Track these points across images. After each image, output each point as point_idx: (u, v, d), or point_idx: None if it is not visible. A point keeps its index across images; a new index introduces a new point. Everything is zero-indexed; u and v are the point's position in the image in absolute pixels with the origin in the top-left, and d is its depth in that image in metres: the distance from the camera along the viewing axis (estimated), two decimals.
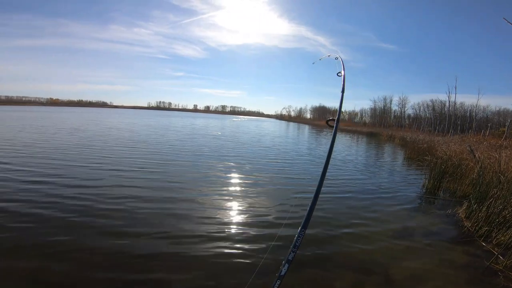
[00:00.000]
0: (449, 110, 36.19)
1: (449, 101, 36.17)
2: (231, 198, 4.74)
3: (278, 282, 0.96)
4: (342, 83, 1.51)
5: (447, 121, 35.40)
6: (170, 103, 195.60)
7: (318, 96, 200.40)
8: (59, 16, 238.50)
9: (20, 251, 2.73)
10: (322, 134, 28.57)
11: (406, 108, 55.27)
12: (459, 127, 35.29)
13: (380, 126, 53.31)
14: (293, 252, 1.04)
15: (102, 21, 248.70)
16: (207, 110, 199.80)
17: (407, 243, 3.56)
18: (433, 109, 45.58)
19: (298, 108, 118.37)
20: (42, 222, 3.35)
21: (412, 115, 54.69)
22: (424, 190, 6.36)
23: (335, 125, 1.39)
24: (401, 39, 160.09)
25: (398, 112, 56.96)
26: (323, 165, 1.47)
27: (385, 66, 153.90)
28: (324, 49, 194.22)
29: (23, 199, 4.08)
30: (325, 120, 1.41)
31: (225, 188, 5.31)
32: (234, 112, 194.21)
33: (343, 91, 1.46)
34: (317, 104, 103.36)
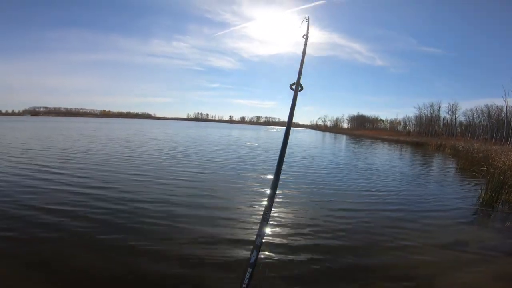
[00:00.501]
0: (506, 115, 32.33)
1: (506, 106, 32.39)
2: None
3: (249, 270, 0.91)
4: (306, 29, 1.54)
5: (505, 127, 31.57)
6: (207, 114, 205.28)
7: (355, 104, 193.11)
8: (109, 31, 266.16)
9: (52, 264, 2.78)
10: (361, 144, 27.53)
11: (457, 115, 50.50)
12: None
13: (426, 135, 49.39)
14: (259, 237, 0.98)
15: (145, 36, 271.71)
16: (242, 121, 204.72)
17: (460, 255, 3.43)
18: (489, 115, 41.03)
19: (334, 118, 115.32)
20: (79, 234, 3.42)
21: (464, 122, 49.78)
22: (480, 202, 5.94)
23: (295, 89, 1.28)
24: (446, 42, 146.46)
25: (448, 120, 52.26)
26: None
27: (430, 71, 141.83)
28: (360, 56, 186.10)
29: (63, 209, 4.19)
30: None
31: (261, 202, 5.14)
32: (269, 122, 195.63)
33: (306, 37, 1.49)
34: (355, 113, 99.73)
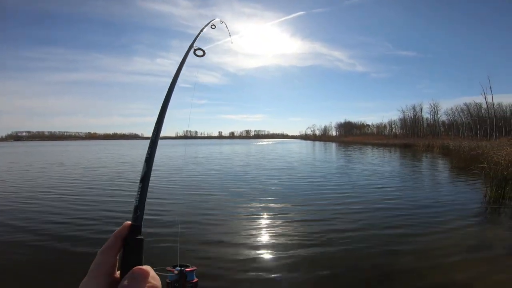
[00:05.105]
0: (488, 112, 33.81)
1: (486, 103, 33.98)
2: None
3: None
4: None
5: (489, 124, 32.93)
6: (196, 132, 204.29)
7: (342, 112, 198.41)
8: (90, 49, 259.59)
9: None
10: (352, 151, 27.81)
11: (439, 115, 52.47)
12: (502, 129, 32.62)
13: (412, 136, 50.80)
14: None
15: (127, 54, 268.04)
16: (231, 136, 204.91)
17: (484, 254, 3.38)
18: (469, 113, 42.84)
19: (323, 126, 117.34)
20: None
21: (447, 121, 51.73)
22: (487, 200, 5.91)
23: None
24: (420, 45, 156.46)
25: (431, 120, 54.17)
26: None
27: (410, 73, 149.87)
28: (342, 63, 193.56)
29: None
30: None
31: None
32: (258, 136, 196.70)
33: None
34: (342, 120, 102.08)
